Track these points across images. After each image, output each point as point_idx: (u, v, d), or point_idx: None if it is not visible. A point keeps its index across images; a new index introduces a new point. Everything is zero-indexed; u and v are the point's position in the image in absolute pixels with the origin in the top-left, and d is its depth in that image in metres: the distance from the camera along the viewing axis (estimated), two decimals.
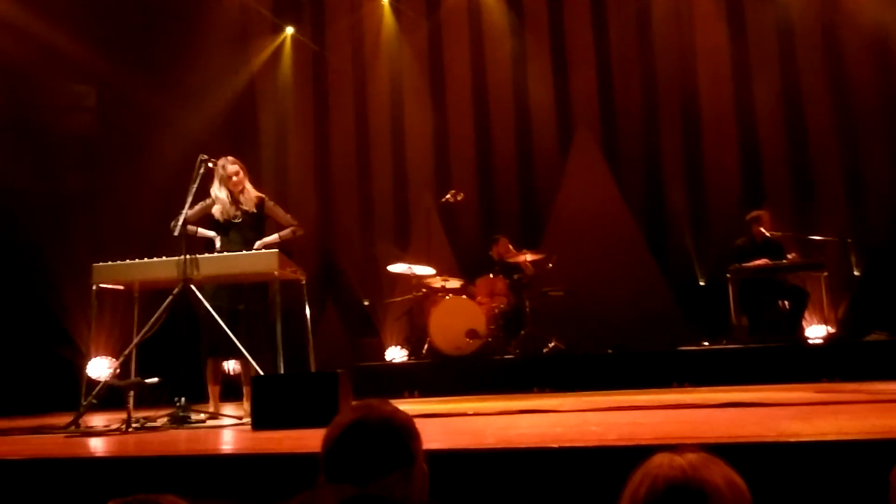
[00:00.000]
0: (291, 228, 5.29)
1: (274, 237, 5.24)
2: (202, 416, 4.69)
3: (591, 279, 8.35)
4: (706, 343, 7.43)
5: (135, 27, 8.82)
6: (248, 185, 5.28)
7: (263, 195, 5.35)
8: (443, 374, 7.12)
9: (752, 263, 7.26)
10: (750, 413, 3.59)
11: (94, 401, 4.63)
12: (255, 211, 5.24)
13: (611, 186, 9.03)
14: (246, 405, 4.94)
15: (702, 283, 8.82)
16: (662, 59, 9.25)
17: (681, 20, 9.24)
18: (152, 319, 4.65)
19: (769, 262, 7.23)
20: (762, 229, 7.36)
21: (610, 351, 7.40)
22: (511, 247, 8.00)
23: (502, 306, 7.64)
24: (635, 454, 2.36)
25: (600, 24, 9.49)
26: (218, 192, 5.17)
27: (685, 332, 7.94)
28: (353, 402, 1.70)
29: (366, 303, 9.65)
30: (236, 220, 5.16)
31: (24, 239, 7.80)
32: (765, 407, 3.79)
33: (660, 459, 1.39)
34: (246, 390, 5.08)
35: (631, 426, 3.21)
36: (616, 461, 2.37)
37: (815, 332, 7.74)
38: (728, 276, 7.34)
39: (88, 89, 9.05)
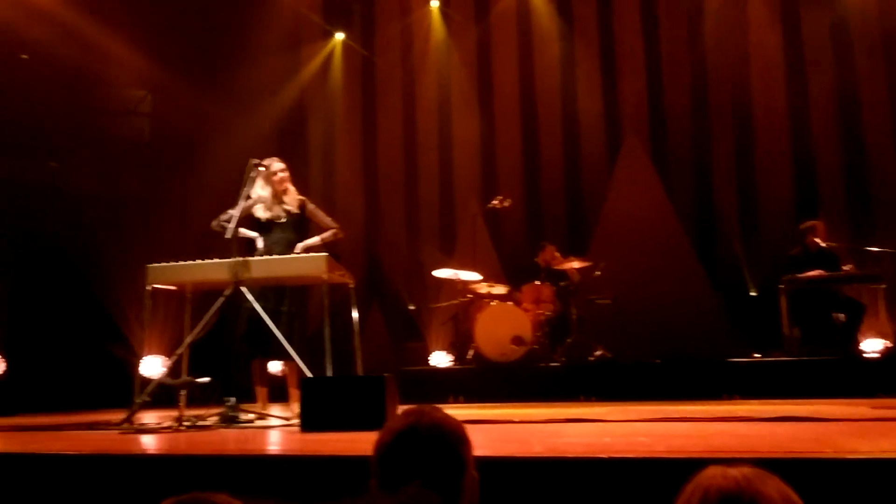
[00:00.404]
0: (332, 231, 5.34)
1: (315, 239, 5.30)
2: (251, 416, 4.76)
3: (639, 287, 8.24)
4: (757, 355, 7.28)
5: (189, 34, 9.04)
6: (291, 187, 5.35)
7: (305, 198, 5.41)
8: (488, 381, 7.11)
9: (806, 274, 7.09)
10: (804, 428, 3.50)
11: (147, 398, 4.74)
12: (298, 212, 5.30)
13: (659, 193, 8.92)
14: (293, 406, 5.00)
15: (753, 294, 8.65)
16: (714, 64, 9.12)
17: (733, 24, 9.09)
18: (203, 320, 4.75)
19: (824, 274, 7.06)
20: (817, 239, 7.19)
21: (657, 360, 7.30)
22: (558, 254, 7.95)
23: (548, 313, 7.60)
24: (686, 467, 2.32)
25: (650, 28, 9.41)
26: (261, 190, 5.22)
27: (734, 342, 7.79)
28: (405, 408, 1.69)
29: (411, 307, 9.69)
30: (280, 221, 5.21)
31: (83, 240, 8.04)
32: (819, 422, 3.69)
33: (712, 472, 1.37)
34: (292, 392, 5.14)
35: (681, 438, 3.16)
36: (666, 474, 2.33)
37: (872, 345, 7.52)
38: (781, 286, 7.18)
39: (144, 94, 9.29)
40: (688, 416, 4.13)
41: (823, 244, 7.19)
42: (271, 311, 4.89)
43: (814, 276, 7.06)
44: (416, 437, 1.57)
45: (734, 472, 1.34)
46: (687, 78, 9.23)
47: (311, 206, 5.37)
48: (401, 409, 2.17)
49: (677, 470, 2.33)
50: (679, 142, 9.20)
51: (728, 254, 8.82)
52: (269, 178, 5.23)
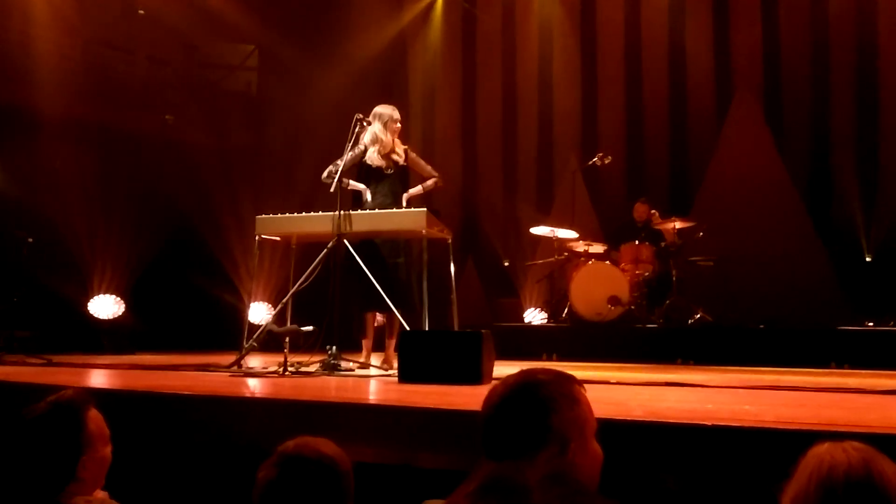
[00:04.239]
0: (434, 179, 5.32)
1: (418, 189, 5.32)
2: (351, 364, 4.91)
3: (744, 249, 7.92)
4: (870, 323, 6.91)
5: None
6: (397, 139, 5.36)
7: (407, 146, 5.41)
8: (582, 340, 7.07)
9: None
10: None
11: (255, 344, 4.96)
12: (404, 163, 5.31)
13: (771, 152, 8.45)
14: (389, 356, 5.11)
15: (868, 259, 8.18)
16: (836, 14, 8.51)
17: None
18: (308, 270, 4.89)
19: None
20: None
21: (762, 326, 7.04)
22: (655, 212, 7.73)
23: (647, 274, 7.44)
24: (795, 439, 2.25)
25: None
26: (382, 135, 5.17)
27: (846, 310, 7.42)
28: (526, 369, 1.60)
29: (506, 263, 9.69)
30: (388, 172, 5.23)
31: (195, 190, 8.41)
32: None
33: (829, 449, 1.31)
34: (388, 342, 5.25)
35: (789, 408, 3.05)
36: (774, 444, 2.26)
37: None
38: None
39: (252, 49, 9.53)
40: (796, 385, 3.98)
41: None
42: (377, 264, 4.97)
43: None
44: (517, 403, 1.51)
45: (852, 449, 1.29)
46: (806, 29, 8.66)
47: (413, 155, 5.36)
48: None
49: (787, 442, 2.26)
50: (795, 98, 8.68)
51: (843, 216, 8.34)
52: (389, 125, 5.22)
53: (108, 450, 1.98)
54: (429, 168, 5.39)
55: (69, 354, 6.36)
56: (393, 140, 5.24)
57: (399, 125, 5.28)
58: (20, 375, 4.52)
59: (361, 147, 5.19)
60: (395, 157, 5.22)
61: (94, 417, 1.95)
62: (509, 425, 1.48)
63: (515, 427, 1.47)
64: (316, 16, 9.22)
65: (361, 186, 5.19)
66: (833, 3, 8.53)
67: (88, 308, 7.77)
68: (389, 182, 5.23)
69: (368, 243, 5.05)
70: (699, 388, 3.92)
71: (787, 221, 8.19)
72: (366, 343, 5.24)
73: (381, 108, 5.27)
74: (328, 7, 9.33)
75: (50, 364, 5.44)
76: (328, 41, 9.12)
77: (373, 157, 5.18)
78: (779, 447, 2.25)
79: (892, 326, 6.64)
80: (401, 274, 5.13)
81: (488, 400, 1.54)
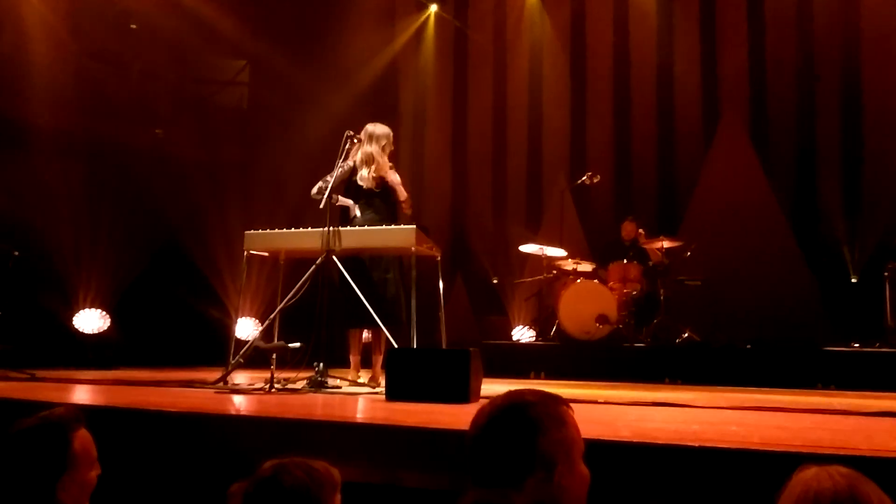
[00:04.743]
0: (404, 204, 5.29)
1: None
2: (338, 381, 4.89)
3: (731, 269, 7.97)
4: (856, 344, 6.94)
5: (286, 5, 9.20)
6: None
7: (393, 166, 5.39)
8: (570, 358, 7.07)
9: None
10: None
11: (241, 360, 4.93)
12: (389, 182, 5.29)
13: (757, 173, 8.53)
14: (376, 372, 5.09)
15: (854, 280, 8.24)
16: (822, 37, 8.62)
17: None
18: (297, 287, 4.88)
19: None
20: None
21: (748, 346, 7.07)
22: (642, 231, 7.78)
23: (635, 293, 7.47)
24: (781, 461, 2.26)
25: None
26: (380, 157, 5.16)
27: (831, 331, 7.46)
28: (512, 390, 1.59)
29: (495, 281, 9.70)
30: (377, 190, 5.24)
31: (183, 204, 8.38)
32: None
33: (816, 472, 1.32)
34: (375, 358, 5.22)
35: (775, 430, 3.05)
36: (760, 466, 2.26)
37: None
38: (885, 274, 6.81)
39: (243, 64, 9.54)
40: (782, 406, 3.99)
41: None
42: (364, 280, 4.96)
43: None
44: (500, 428, 1.50)
45: (837, 475, 1.30)
46: (792, 52, 8.76)
47: (396, 177, 5.30)
48: None
49: (772, 464, 2.27)
50: (781, 119, 8.77)
51: (828, 238, 8.40)
52: (387, 147, 5.21)
53: (93, 474, 1.93)
54: (404, 193, 5.32)
55: (53, 369, 6.30)
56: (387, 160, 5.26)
57: (393, 147, 5.29)
58: (1, 391, 4.46)
59: (350, 164, 5.19)
60: (384, 175, 5.23)
61: (82, 438, 1.91)
62: (497, 447, 1.48)
63: (503, 449, 1.47)
64: (308, 32, 9.26)
65: (350, 202, 5.19)
66: (818, 26, 8.64)
67: (73, 322, 7.71)
68: (377, 200, 5.23)
69: (355, 259, 5.05)
70: (685, 408, 3.93)
71: (773, 242, 8.25)
72: (353, 359, 5.22)
73: (378, 129, 5.25)
74: (320, 24, 9.37)
75: (33, 379, 5.38)
76: (320, 58, 9.16)
77: (364, 177, 5.18)
78: (765, 469, 2.25)
79: (878, 348, 6.67)
80: (388, 289, 5.13)
81: (475, 421, 1.54)
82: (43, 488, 1.81)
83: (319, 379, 4.70)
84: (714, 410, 3.91)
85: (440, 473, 2.66)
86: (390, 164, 5.33)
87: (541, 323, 8.05)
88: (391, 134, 5.30)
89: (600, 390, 5.26)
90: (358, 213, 5.17)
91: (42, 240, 7.40)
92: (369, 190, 5.20)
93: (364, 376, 5.12)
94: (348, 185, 5.23)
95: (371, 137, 5.20)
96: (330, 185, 4.96)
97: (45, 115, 7.42)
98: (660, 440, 2.53)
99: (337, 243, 4.85)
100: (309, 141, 8.33)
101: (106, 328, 7.80)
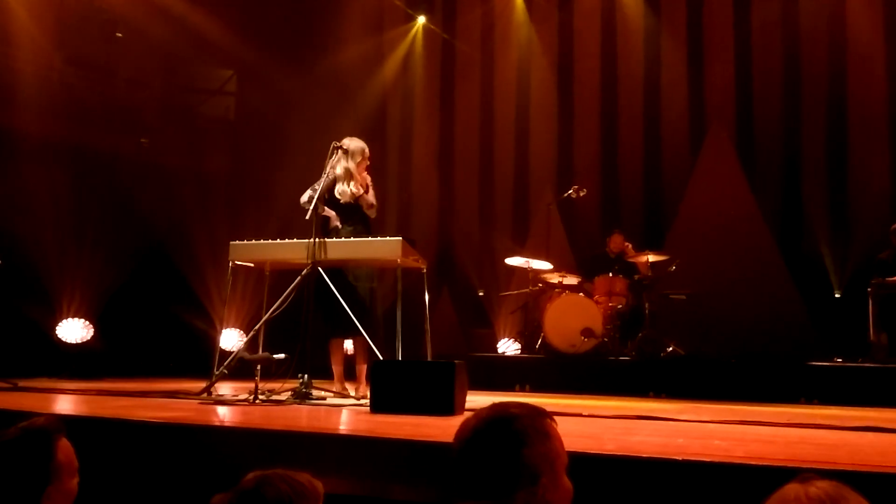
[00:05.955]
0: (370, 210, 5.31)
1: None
2: (323, 393, 4.86)
3: (717, 284, 8.00)
4: (839, 359, 6.99)
5: (274, 16, 9.21)
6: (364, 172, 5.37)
7: (370, 183, 5.41)
8: (555, 371, 7.06)
9: None
10: (892, 439, 3.35)
11: (226, 371, 4.90)
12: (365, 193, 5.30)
13: (743, 187, 8.59)
14: (361, 385, 5.07)
15: (837, 295, 8.30)
16: (808, 54, 8.74)
17: (829, 10, 8.65)
18: (282, 298, 4.86)
19: None
20: None
21: (733, 360, 7.09)
22: (629, 244, 7.81)
23: (620, 306, 7.49)
24: (765, 475, 2.27)
25: (742, 14, 9.04)
26: (357, 174, 5.20)
27: (816, 345, 7.50)
28: (496, 403, 1.59)
29: (481, 293, 9.70)
30: (354, 203, 5.24)
31: (169, 213, 8.34)
32: None
33: (795, 491, 1.32)
34: (359, 369, 5.20)
35: (759, 443, 3.07)
36: (744, 480, 2.27)
37: None
38: (869, 290, 6.87)
39: (230, 74, 9.54)
40: (766, 419, 4.00)
41: None
42: (348, 291, 4.95)
43: None
44: (484, 442, 1.49)
45: (822, 492, 1.29)
46: (778, 67, 8.85)
47: (364, 195, 5.26)
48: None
49: (756, 477, 2.28)
50: (767, 134, 8.85)
51: (813, 253, 8.47)
52: (363, 163, 5.25)
53: (74, 482, 1.93)
54: (372, 201, 5.32)
55: (36, 379, 6.23)
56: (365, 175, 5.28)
57: (368, 162, 5.30)
58: None
59: (332, 176, 5.20)
60: (361, 188, 5.24)
61: (64, 447, 1.90)
62: (481, 460, 1.47)
63: (487, 462, 1.46)
64: (296, 44, 9.28)
65: (333, 214, 5.21)
66: (804, 41, 8.75)
67: (57, 332, 7.63)
68: (355, 212, 5.25)
69: (337, 270, 5.04)
70: (670, 422, 3.94)
71: (758, 257, 8.30)
72: (336, 370, 5.20)
73: (354, 144, 5.27)
74: (308, 35, 9.39)
75: (16, 388, 5.32)
76: (307, 69, 9.17)
77: (343, 191, 5.21)
78: (749, 482, 2.26)
79: (861, 363, 6.72)
80: (371, 299, 5.12)
81: (460, 434, 1.53)
82: (28, 499, 1.80)
83: (304, 390, 4.67)
84: (698, 424, 3.92)
85: (426, 486, 2.65)
86: (369, 178, 5.34)
87: (526, 336, 8.05)
88: (366, 149, 5.32)
89: (584, 402, 5.27)
90: (339, 224, 5.19)
91: (26, 248, 7.33)
92: (347, 203, 5.23)
93: (352, 388, 5.10)
94: (329, 197, 5.24)
95: (346, 153, 5.21)
96: (317, 196, 4.96)
97: (30, 124, 7.37)
98: (644, 453, 2.54)
99: (323, 254, 4.84)
100: (296, 151, 8.32)
101: (89, 338, 7.72)
